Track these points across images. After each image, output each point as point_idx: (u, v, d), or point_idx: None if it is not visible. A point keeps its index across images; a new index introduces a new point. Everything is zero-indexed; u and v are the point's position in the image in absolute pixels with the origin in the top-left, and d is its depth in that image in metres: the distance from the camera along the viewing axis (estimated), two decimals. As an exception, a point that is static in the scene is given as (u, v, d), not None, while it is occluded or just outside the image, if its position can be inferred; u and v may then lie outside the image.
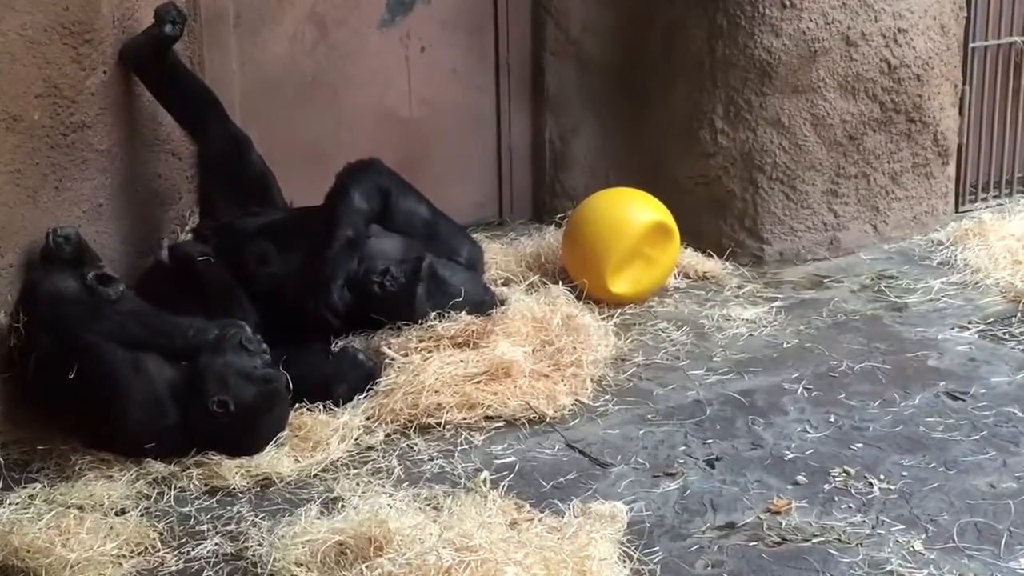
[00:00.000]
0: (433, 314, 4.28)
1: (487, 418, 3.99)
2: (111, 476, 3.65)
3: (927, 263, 5.30)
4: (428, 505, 3.42)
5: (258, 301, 4.33)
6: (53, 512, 3.39)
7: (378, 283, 4.35)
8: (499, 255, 5.14)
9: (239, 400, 3.73)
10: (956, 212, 5.75)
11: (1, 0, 3.92)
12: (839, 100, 5.24)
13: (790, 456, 3.76)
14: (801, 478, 3.63)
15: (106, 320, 3.90)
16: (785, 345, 4.55)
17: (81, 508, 3.45)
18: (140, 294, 4.21)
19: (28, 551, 3.23)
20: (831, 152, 5.29)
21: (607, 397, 4.16)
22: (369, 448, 3.84)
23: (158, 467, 3.70)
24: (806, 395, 4.15)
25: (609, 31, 5.62)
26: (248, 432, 3.77)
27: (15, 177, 4.05)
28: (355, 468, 3.72)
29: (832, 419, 3.98)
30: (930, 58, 5.37)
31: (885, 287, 5.05)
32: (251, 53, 5.24)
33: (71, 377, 3.70)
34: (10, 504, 3.46)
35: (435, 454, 3.82)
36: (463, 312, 4.30)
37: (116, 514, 3.46)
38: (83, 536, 3.29)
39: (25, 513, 3.40)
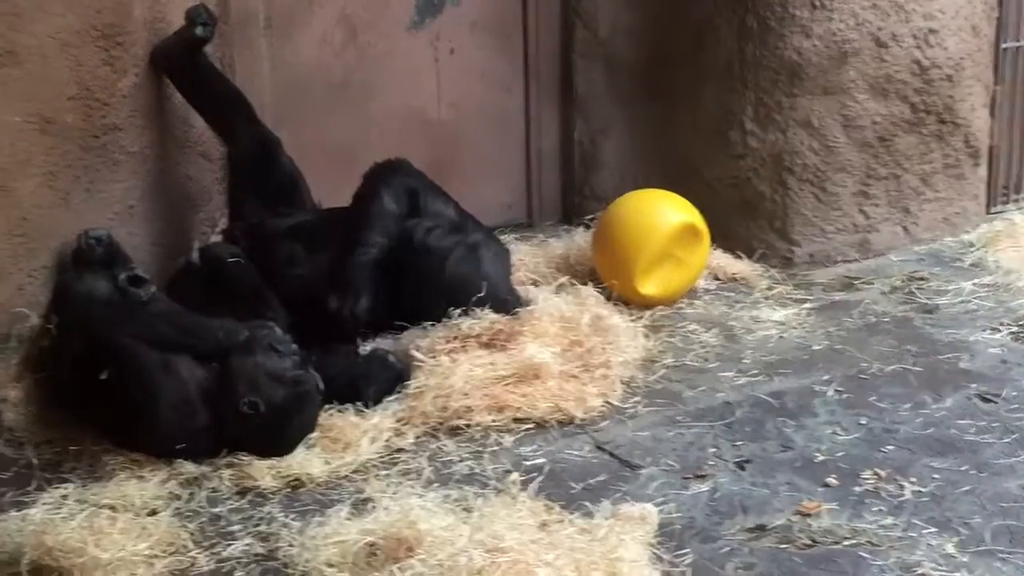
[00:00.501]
0: (458, 312, 4.28)
1: (516, 420, 3.99)
2: (143, 476, 3.66)
3: (958, 265, 5.27)
4: (458, 506, 3.42)
5: (288, 302, 4.35)
6: (85, 512, 3.40)
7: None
8: (528, 257, 5.14)
9: (269, 401, 3.75)
10: (987, 213, 5.72)
11: (34, 3, 3.95)
12: (870, 101, 5.22)
13: (820, 458, 3.75)
14: (832, 480, 3.61)
15: (137, 321, 3.91)
16: (815, 347, 4.53)
17: (113, 508, 3.46)
18: (171, 295, 4.23)
19: (61, 551, 3.23)
20: (861, 153, 5.27)
21: (637, 399, 4.16)
22: (399, 449, 3.84)
23: (189, 468, 3.70)
24: (836, 397, 4.14)
25: (638, 32, 5.61)
26: (278, 433, 3.78)
27: (48, 179, 4.08)
28: (385, 469, 3.73)
29: (863, 421, 3.96)
30: (961, 59, 5.34)
31: (916, 289, 5.03)
32: (281, 55, 5.26)
33: (103, 378, 3.71)
34: (43, 504, 3.47)
35: (465, 455, 3.82)
36: (487, 308, 4.30)
37: (148, 514, 3.47)
38: (115, 536, 3.30)
39: (58, 513, 3.41)
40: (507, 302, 4.43)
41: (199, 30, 4.47)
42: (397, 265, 4.41)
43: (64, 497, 3.53)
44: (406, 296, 4.37)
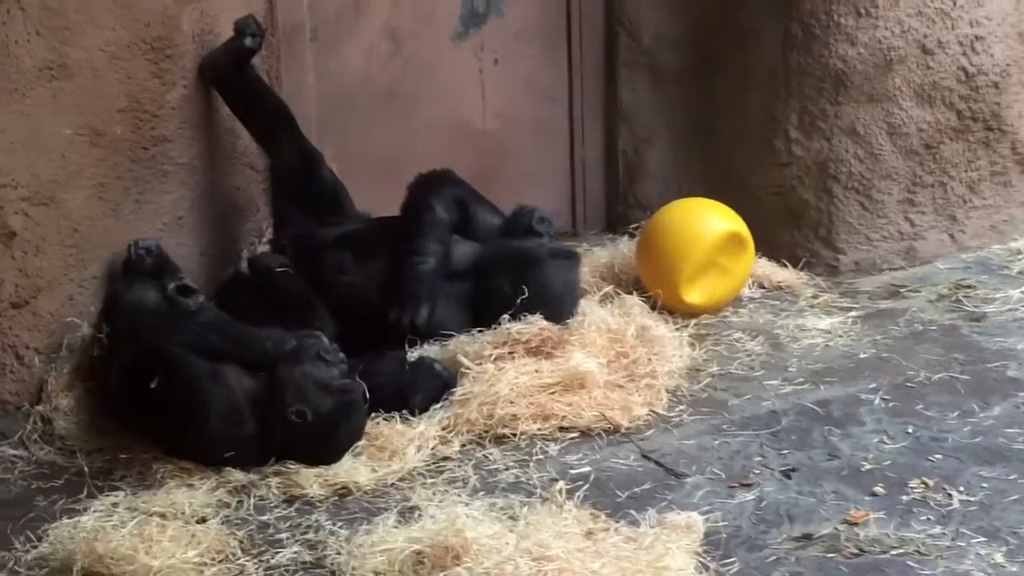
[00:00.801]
0: (507, 317, 4.29)
1: (562, 429, 3.99)
2: (192, 484, 3.69)
3: (1006, 272, 5.22)
4: (504, 514, 3.42)
5: (336, 310, 4.38)
6: (136, 520, 3.43)
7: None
8: (573, 265, 5.14)
9: (317, 410, 3.77)
10: (1035, 220, 5.68)
11: (84, 17, 4.00)
12: (915, 109, 5.19)
13: (867, 467, 3.73)
14: (879, 489, 3.59)
15: (186, 331, 3.95)
16: (861, 355, 4.51)
17: (163, 516, 3.49)
18: (219, 305, 4.28)
19: (112, 558, 3.26)
20: (907, 161, 5.24)
21: (682, 407, 4.15)
22: (445, 458, 3.85)
23: (238, 476, 3.73)
24: (883, 406, 4.12)
25: (681, 41, 5.61)
26: (326, 442, 3.80)
27: (98, 190, 4.14)
28: (431, 477, 3.74)
29: (910, 430, 3.94)
30: (1008, 66, 5.31)
31: (963, 297, 4.99)
32: (327, 66, 5.30)
33: (152, 387, 3.75)
34: (94, 511, 3.51)
35: (510, 464, 3.82)
36: (538, 315, 4.32)
37: (197, 522, 3.49)
38: (165, 544, 3.32)
39: (109, 521, 3.44)
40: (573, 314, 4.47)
41: (248, 41, 4.50)
42: (501, 274, 4.43)
43: (115, 505, 3.56)
44: (499, 306, 4.37)
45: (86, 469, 3.81)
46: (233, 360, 3.86)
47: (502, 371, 4.11)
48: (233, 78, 4.58)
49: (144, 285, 4.10)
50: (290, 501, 3.65)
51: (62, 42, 3.95)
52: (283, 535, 3.48)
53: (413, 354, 4.26)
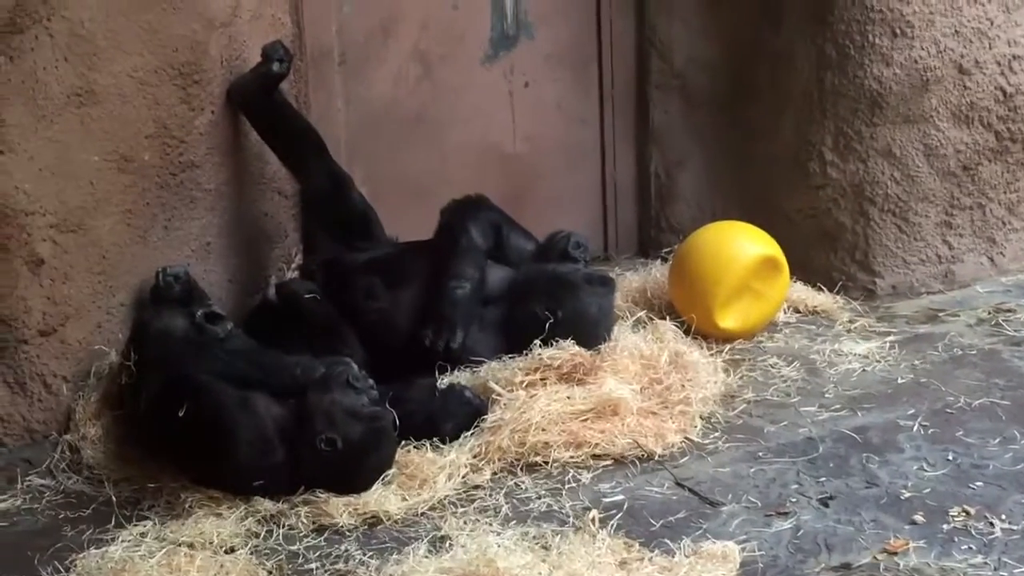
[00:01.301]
0: (538, 342, 4.29)
1: (595, 456, 3.98)
2: (220, 514, 3.69)
3: (1047, 296, 5.21)
4: (537, 544, 3.42)
5: (365, 337, 4.38)
6: (164, 550, 3.44)
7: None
8: (604, 290, 5.14)
9: (347, 438, 3.76)
10: (1076, 243, 5.64)
11: (112, 43, 4.03)
12: (952, 130, 5.17)
13: (907, 495, 3.70)
14: (919, 518, 3.57)
15: (214, 358, 3.96)
16: (900, 381, 4.49)
17: (191, 546, 3.50)
18: (248, 332, 4.28)
19: (140, 588, 3.28)
20: (944, 183, 5.22)
21: (717, 434, 4.13)
22: (476, 486, 3.84)
23: (266, 505, 3.73)
24: (922, 432, 4.09)
25: (714, 63, 5.61)
26: (355, 470, 3.79)
27: (126, 217, 4.16)
28: (462, 506, 3.73)
29: (950, 457, 3.91)
30: (1047, 85, 5.29)
31: (1003, 320, 4.96)
32: (356, 91, 5.32)
33: (180, 415, 3.75)
34: (122, 541, 3.52)
35: (542, 492, 3.81)
36: (570, 340, 4.31)
37: (226, 552, 3.50)
38: (194, 574, 3.33)
39: (136, 551, 3.46)
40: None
41: (276, 66, 4.53)
42: (535, 300, 4.43)
43: (143, 534, 3.57)
44: (532, 331, 4.36)
45: (114, 498, 3.82)
46: (261, 388, 3.87)
47: (534, 398, 4.10)
48: (261, 103, 4.61)
49: (172, 312, 4.12)
50: (320, 531, 3.65)
51: (90, 68, 3.98)
52: (312, 565, 3.47)
53: (443, 381, 4.26)
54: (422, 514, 3.70)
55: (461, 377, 4.31)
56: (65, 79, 3.92)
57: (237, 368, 3.91)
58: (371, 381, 3.93)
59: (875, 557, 3.37)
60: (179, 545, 3.49)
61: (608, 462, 3.96)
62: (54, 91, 3.90)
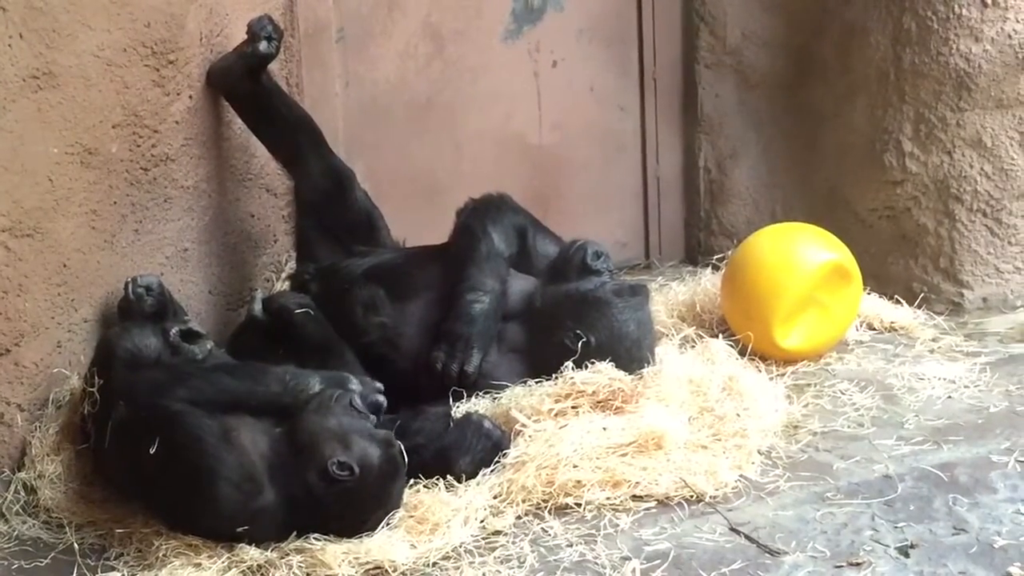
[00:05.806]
0: (570, 364, 4.29)
1: (635, 497, 3.98)
2: (199, 564, 3.69)
3: None
4: (567, 600, 3.43)
5: (366, 357, 4.39)
6: (134, 606, 3.46)
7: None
8: (647, 304, 5.15)
9: (364, 462, 3.74)
10: None
11: (75, 18, 4.05)
12: (1053, 115, 5.18)
13: (1001, 543, 3.69)
14: (1015, 570, 3.56)
15: (191, 383, 3.96)
16: (992, 409, 4.48)
17: (165, 601, 3.52)
18: (231, 352, 4.29)
19: (107, 652, 3.30)
20: (1044, 178, 5.23)
21: (777, 472, 4.13)
22: (497, 532, 3.84)
23: (253, 554, 3.73)
24: (1019, 469, 4.08)
25: (774, 39, 5.63)
26: (372, 502, 3.77)
27: (90, 218, 4.17)
28: (481, 555, 3.73)
29: (1051, 498, 3.92)
30: None
31: (1112, 339, 4.98)
32: (356, 71, 5.35)
33: (152, 450, 3.76)
34: (85, 596, 3.55)
35: (574, 539, 3.81)
36: (607, 362, 4.31)
37: (206, 608, 3.52)
38: (168, 634, 3.35)
39: (102, 607, 3.48)
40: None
41: (263, 45, 4.55)
42: (562, 326, 4.43)
43: (110, 588, 3.59)
44: (562, 362, 4.37)
45: (76, 546, 3.83)
46: (248, 404, 3.86)
47: (564, 429, 4.10)
48: (247, 88, 4.63)
49: (143, 330, 4.13)
50: (314, 584, 3.66)
51: (49, 46, 4.00)
52: (306, 624, 3.49)
53: (458, 410, 4.26)
54: (434, 564, 3.70)
55: (479, 405, 4.32)
56: (20, 59, 3.94)
57: (218, 383, 3.90)
58: (380, 396, 3.92)
59: (964, 616, 3.38)
60: (151, 601, 3.51)
61: (651, 504, 3.96)
62: (7, 73, 3.92)
